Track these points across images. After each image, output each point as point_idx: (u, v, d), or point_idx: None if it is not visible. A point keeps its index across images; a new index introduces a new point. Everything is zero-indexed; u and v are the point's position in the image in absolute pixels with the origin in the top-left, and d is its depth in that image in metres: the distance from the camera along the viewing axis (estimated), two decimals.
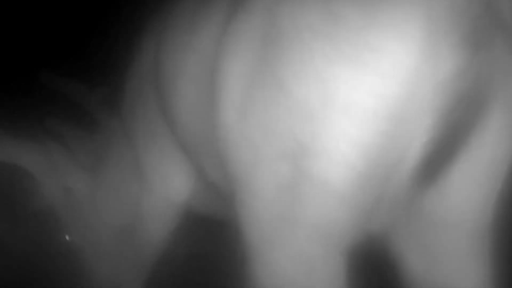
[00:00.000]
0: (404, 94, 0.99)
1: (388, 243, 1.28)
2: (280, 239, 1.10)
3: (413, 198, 1.16)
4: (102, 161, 2.10)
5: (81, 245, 2.18)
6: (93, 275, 2.13)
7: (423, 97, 1.00)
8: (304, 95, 1.01)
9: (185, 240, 1.93)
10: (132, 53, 1.90)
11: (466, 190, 1.19)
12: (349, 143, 1.01)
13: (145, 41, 1.78)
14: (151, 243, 1.85)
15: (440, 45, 0.98)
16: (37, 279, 2.14)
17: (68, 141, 2.11)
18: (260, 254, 1.13)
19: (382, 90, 0.98)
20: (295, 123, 1.03)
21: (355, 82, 0.98)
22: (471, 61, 1.01)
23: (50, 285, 2.12)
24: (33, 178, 2.16)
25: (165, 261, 1.92)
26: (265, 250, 1.12)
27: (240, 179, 1.15)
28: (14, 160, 2.10)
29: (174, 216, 1.80)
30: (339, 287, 1.10)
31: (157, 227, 1.82)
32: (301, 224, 1.07)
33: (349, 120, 1.00)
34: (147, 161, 1.83)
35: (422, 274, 1.29)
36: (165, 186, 1.80)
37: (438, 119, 1.03)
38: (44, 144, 2.08)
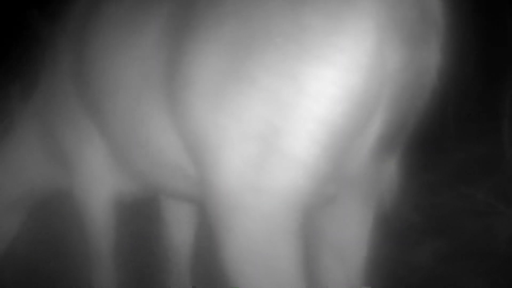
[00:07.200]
0: (360, 83, 1.23)
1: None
2: (244, 206, 1.25)
3: (370, 168, 1.39)
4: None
5: None
6: None
7: (375, 86, 1.25)
8: (276, 88, 1.20)
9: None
10: (49, 48, 2.01)
11: None
12: (315, 123, 1.23)
13: (64, 40, 1.92)
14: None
15: (387, 45, 1.24)
16: None
17: None
18: (225, 220, 1.29)
19: (343, 81, 1.23)
20: (266, 110, 1.21)
21: (321, 75, 1.22)
22: (411, 56, 1.29)
23: None
24: None
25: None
26: (229, 217, 1.28)
27: (206, 161, 1.32)
28: None
29: (106, 206, 1.98)
30: (297, 245, 1.27)
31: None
32: (264, 192, 1.24)
33: (316, 104, 1.23)
34: (68, 149, 1.99)
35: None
36: (90, 176, 1.95)
37: (389, 104, 1.29)
38: None
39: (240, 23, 1.27)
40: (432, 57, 1.33)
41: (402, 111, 1.33)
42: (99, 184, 1.97)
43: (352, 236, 1.54)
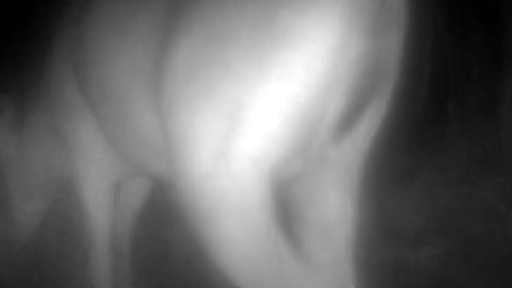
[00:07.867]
0: (324, 68, 1.36)
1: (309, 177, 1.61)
2: (217, 172, 1.38)
3: (330, 145, 1.51)
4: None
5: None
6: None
7: (338, 71, 1.38)
8: (248, 72, 1.35)
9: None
10: (50, 40, 2.09)
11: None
12: (284, 100, 1.35)
13: (64, 29, 2.05)
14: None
15: (350, 34, 1.37)
16: None
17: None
18: (197, 185, 1.38)
19: (309, 66, 1.35)
20: (237, 91, 1.36)
21: (289, 60, 1.35)
22: (372, 46, 1.40)
23: None
24: None
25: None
26: (202, 182, 1.38)
27: (178, 140, 1.42)
28: None
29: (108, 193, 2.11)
30: (267, 209, 1.39)
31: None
32: (234, 158, 1.37)
33: (284, 84, 1.35)
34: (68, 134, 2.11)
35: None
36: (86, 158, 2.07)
37: (349, 88, 1.42)
38: None
39: (216, 20, 1.41)
40: (391, 47, 1.47)
41: (361, 96, 1.46)
42: (96, 169, 2.08)
43: (332, 217, 1.63)
